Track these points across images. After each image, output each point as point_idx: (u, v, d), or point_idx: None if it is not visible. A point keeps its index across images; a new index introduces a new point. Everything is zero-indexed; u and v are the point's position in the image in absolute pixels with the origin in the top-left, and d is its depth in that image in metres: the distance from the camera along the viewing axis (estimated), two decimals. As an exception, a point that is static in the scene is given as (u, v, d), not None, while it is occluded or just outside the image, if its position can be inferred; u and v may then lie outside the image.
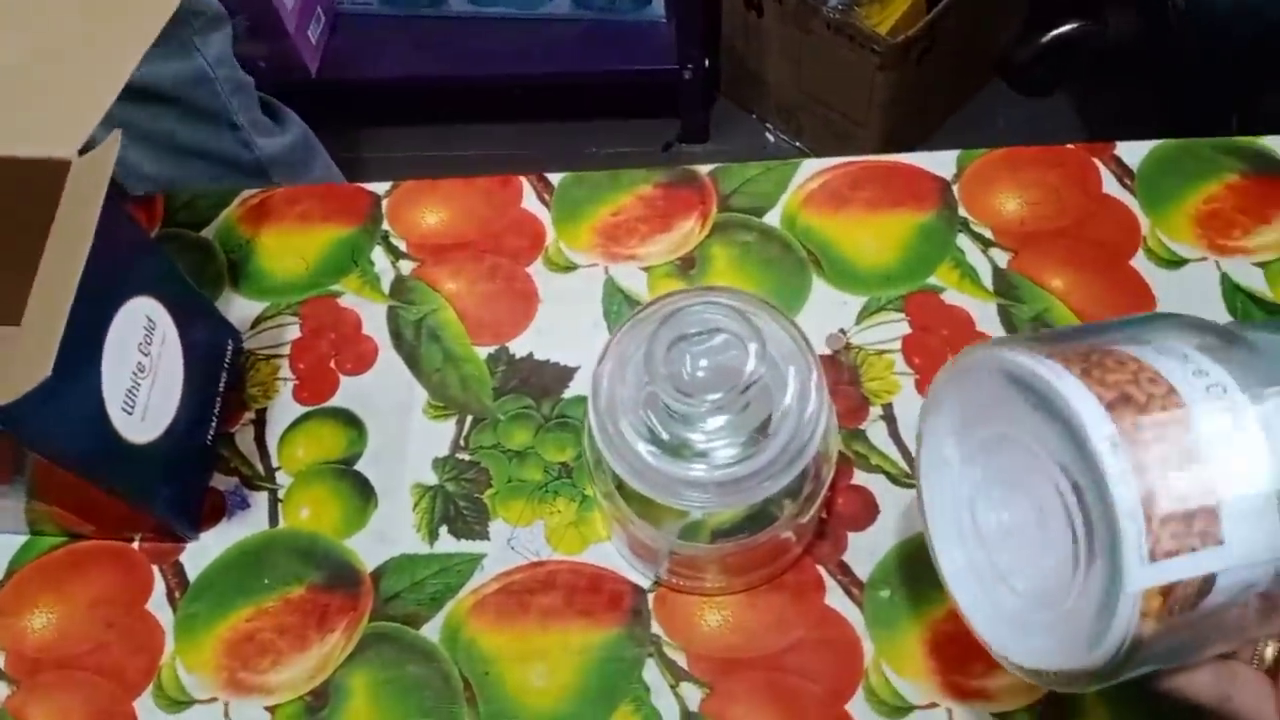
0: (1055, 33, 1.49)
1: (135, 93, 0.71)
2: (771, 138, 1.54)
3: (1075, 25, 1.49)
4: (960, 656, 0.46)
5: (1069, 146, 0.60)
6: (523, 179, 0.61)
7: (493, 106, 1.55)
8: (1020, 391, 0.35)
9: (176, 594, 0.50)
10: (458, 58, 1.45)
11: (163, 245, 0.60)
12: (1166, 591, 0.31)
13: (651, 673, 0.47)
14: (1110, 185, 0.58)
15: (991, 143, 0.60)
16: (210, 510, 0.52)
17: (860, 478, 0.51)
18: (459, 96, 1.53)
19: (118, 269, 0.46)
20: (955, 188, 0.59)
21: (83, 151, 0.44)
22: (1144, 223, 0.57)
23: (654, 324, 0.41)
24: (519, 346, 0.56)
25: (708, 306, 0.41)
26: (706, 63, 1.44)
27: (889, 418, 0.52)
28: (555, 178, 0.61)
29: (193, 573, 0.51)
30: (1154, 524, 0.30)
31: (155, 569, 0.51)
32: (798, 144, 1.52)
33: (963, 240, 0.57)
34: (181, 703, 0.48)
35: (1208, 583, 0.31)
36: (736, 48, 1.47)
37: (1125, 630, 0.31)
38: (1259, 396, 0.32)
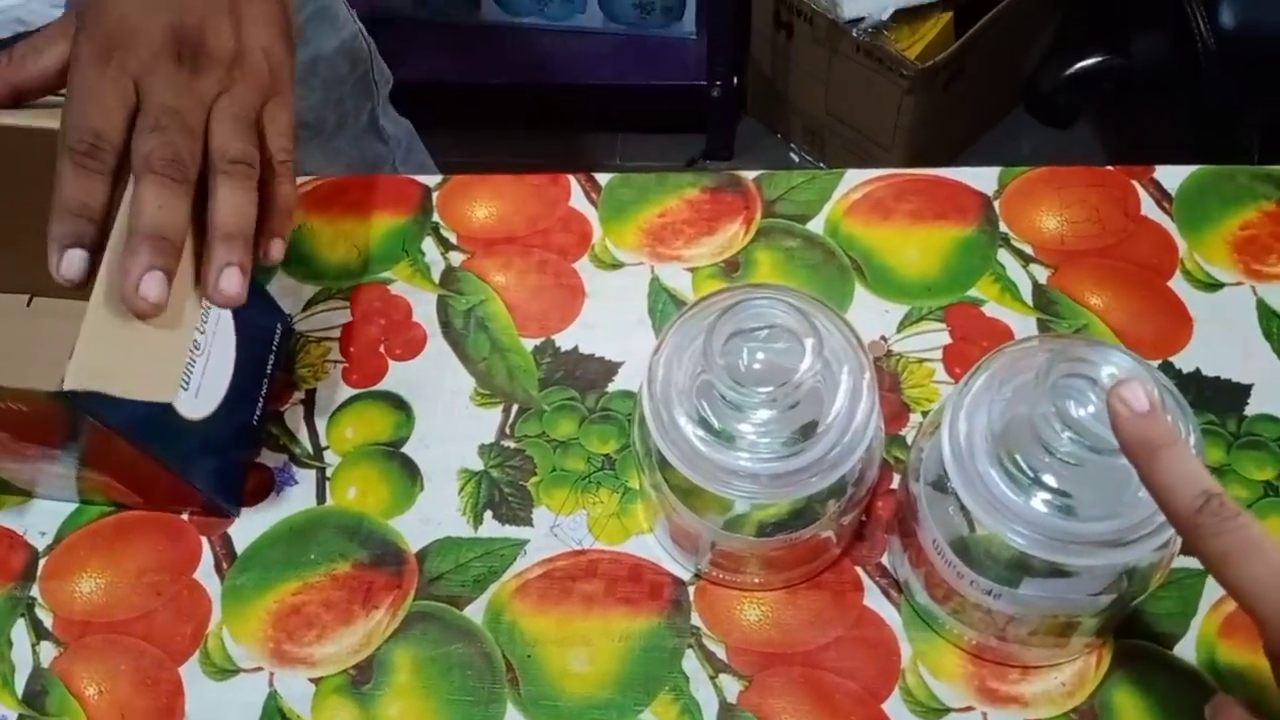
0: (1079, 65, 1.51)
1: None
2: (796, 157, 1.56)
3: (1100, 59, 1.51)
4: (997, 662, 0.47)
5: (1109, 168, 0.61)
6: (571, 177, 0.63)
7: (519, 114, 1.57)
8: None
9: (224, 565, 0.51)
10: (488, 65, 1.47)
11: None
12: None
13: (691, 663, 0.48)
14: (1149, 207, 0.59)
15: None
16: (259, 486, 0.53)
17: (899, 482, 0.52)
18: (487, 103, 1.54)
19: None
20: (996, 203, 0.60)
21: None
22: (1181, 245, 0.58)
23: (714, 314, 0.42)
24: (565, 339, 0.57)
25: (769, 302, 0.42)
26: (735, 80, 1.45)
27: (929, 424, 0.53)
28: (603, 178, 0.62)
29: (240, 545, 0.52)
30: None
31: (204, 540, 0.52)
32: (821, 165, 1.54)
33: (1003, 255, 0.58)
34: (228, 671, 0.49)
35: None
36: (764, 66, 1.49)
37: None
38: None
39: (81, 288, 0.41)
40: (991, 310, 0.56)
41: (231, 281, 0.43)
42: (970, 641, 0.47)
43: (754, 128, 1.59)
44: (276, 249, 0.45)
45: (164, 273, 0.40)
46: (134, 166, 0.40)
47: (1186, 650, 0.47)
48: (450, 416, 0.55)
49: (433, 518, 0.52)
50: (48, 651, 0.50)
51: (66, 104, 0.41)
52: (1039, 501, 0.39)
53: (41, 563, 0.52)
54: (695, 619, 0.49)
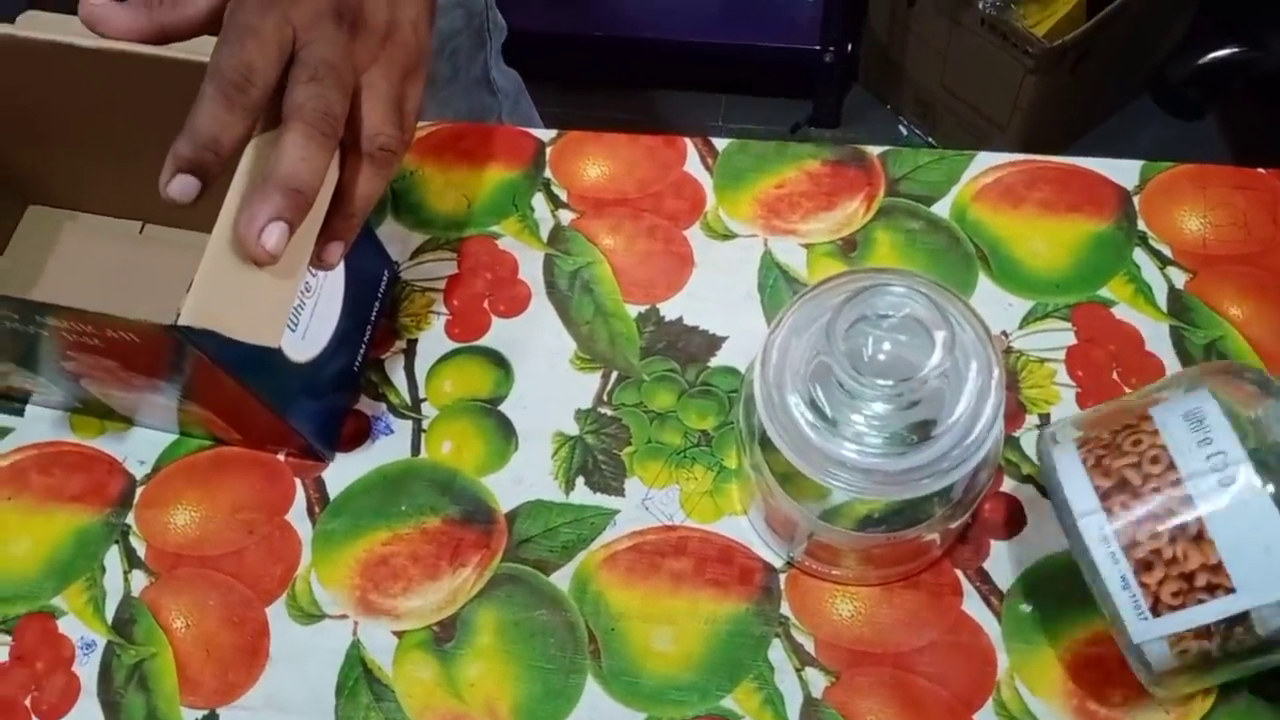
0: (1213, 55, 1.44)
1: None
2: (904, 130, 1.51)
3: (1235, 50, 1.44)
4: (1100, 682, 0.45)
5: (1260, 170, 0.57)
6: (687, 140, 0.61)
7: (624, 69, 1.55)
8: None
9: (317, 509, 0.51)
10: (597, 18, 1.45)
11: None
12: (1197, 631, 0.38)
13: (777, 653, 0.47)
14: (1301, 216, 0.56)
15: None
16: (356, 432, 0.53)
17: (1009, 485, 0.50)
18: (593, 56, 1.52)
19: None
20: (1136, 199, 0.56)
21: None
22: (1334, 259, 0.54)
23: (842, 296, 0.40)
24: (670, 309, 0.56)
25: (906, 290, 0.40)
26: (849, 47, 1.41)
27: (1045, 427, 0.51)
28: (720, 143, 0.60)
29: (334, 490, 0.52)
30: (1152, 588, 0.39)
31: (298, 482, 0.52)
32: (930, 140, 1.49)
33: (1139, 255, 0.55)
34: (313, 615, 0.49)
35: (1240, 616, 0.38)
36: (880, 34, 1.44)
37: (1164, 659, 0.39)
38: (1260, 454, 0.37)
39: (181, 209, 0.40)
40: (1122, 313, 0.53)
41: (335, 254, 0.43)
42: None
43: (863, 97, 1.54)
44: (334, 252, 0.44)
45: (289, 225, 0.39)
46: (285, 112, 0.40)
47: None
48: (549, 378, 0.54)
49: (525, 479, 0.51)
50: (139, 580, 0.51)
51: (222, 37, 0.40)
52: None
53: (139, 491, 0.53)
54: (785, 608, 0.48)
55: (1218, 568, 0.38)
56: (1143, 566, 0.39)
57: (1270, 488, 0.37)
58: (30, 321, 0.43)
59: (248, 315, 0.40)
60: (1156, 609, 0.39)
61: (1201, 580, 0.38)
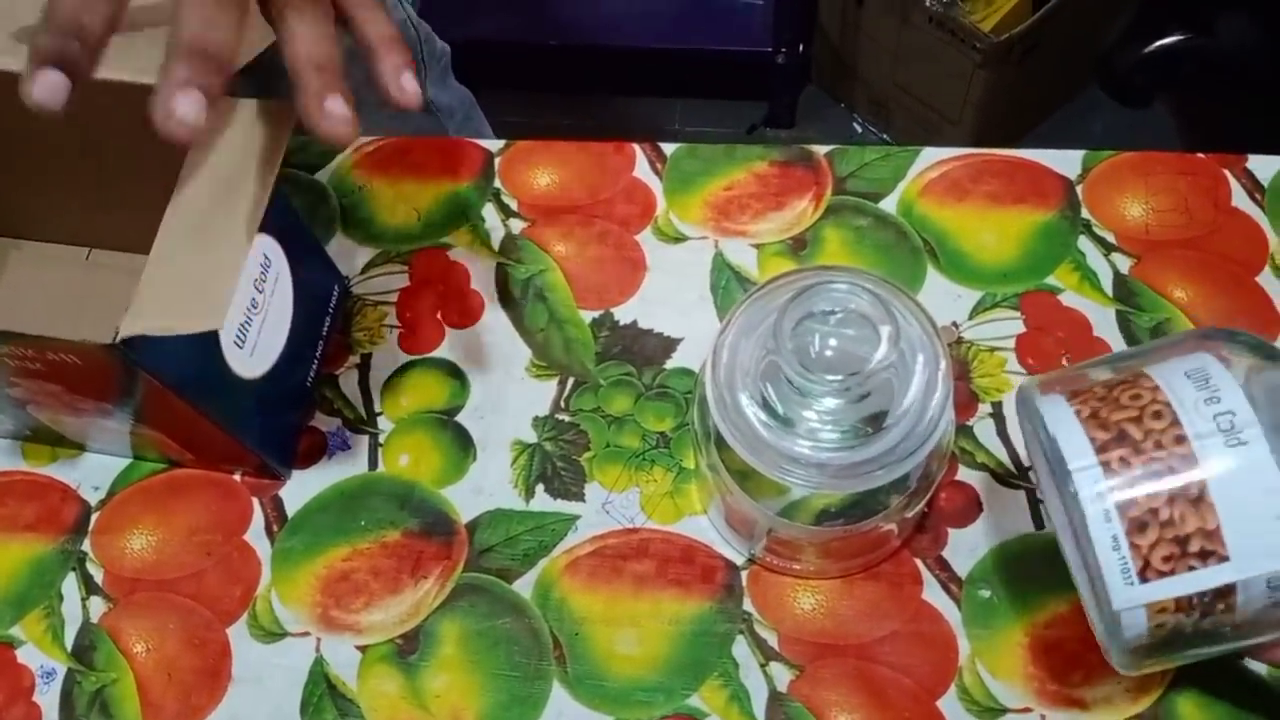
0: (1160, 43, 1.46)
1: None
2: (859, 128, 1.53)
3: (1182, 37, 1.46)
4: (1061, 664, 0.46)
5: (1199, 156, 0.58)
6: (635, 146, 0.61)
7: (579, 77, 1.55)
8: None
9: (275, 527, 0.51)
10: (549, 26, 1.45)
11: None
12: (1179, 602, 0.36)
13: (741, 649, 0.47)
14: (1240, 199, 0.57)
15: (1087, 149, 0.58)
16: (311, 449, 0.53)
17: (964, 474, 0.50)
18: (546, 64, 1.53)
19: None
20: (1079, 188, 0.57)
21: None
22: (1273, 239, 0.55)
23: (787, 295, 0.41)
24: (624, 314, 0.56)
25: (848, 287, 0.40)
26: (800, 48, 1.42)
27: (998, 416, 0.51)
28: (669, 148, 0.61)
29: (291, 508, 0.51)
30: (1143, 550, 0.36)
31: (255, 501, 0.52)
32: (885, 137, 1.50)
33: (1084, 243, 0.56)
34: (275, 634, 0.49)
35: (1227, 590, 0.36)
36: (832, 34, 1.46)
37: (1140, 631, 0.37)
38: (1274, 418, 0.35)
39: (128, 232, 0.39)
40: (1069, 300, 0.54)
41: (409, 80, 0.39)
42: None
43: (818, 96, 1.56)
44: (408, 79, 0.38)
45: (203, 92, 0.34)
46: None
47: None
48: (505, 387, 0.54)
49: (484, 489, 0.51)
50: (97, 607, 0.50)
51: None
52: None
53: (94, 517, 0.52)
54: (747, 605, 0.48)
55: (1214, 534, 0.36)
56: (1136, 527, 0.37)
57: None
58: None
59: (186, 310, 0.39)
60: (1145, 573, 0.37)
61: (1195, 546, 0.36)
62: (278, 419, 0.52)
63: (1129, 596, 0.37)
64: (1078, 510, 0.37)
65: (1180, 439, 0.36)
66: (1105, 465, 0.37)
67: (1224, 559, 0.36)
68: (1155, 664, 0.40)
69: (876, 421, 0.41)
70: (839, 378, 0.39)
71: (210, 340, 0.45)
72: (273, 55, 0.76)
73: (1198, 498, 0.36)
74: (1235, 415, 0.36)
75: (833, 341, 0.41)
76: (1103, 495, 0.37)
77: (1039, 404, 0.39)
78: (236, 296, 0.45)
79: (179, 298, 0.40)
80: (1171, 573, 0.36)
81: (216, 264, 0.40)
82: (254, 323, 0.48)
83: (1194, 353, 0.38)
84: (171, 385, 0.43)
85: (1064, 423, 0.38)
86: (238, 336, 0.46)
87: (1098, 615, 0.39)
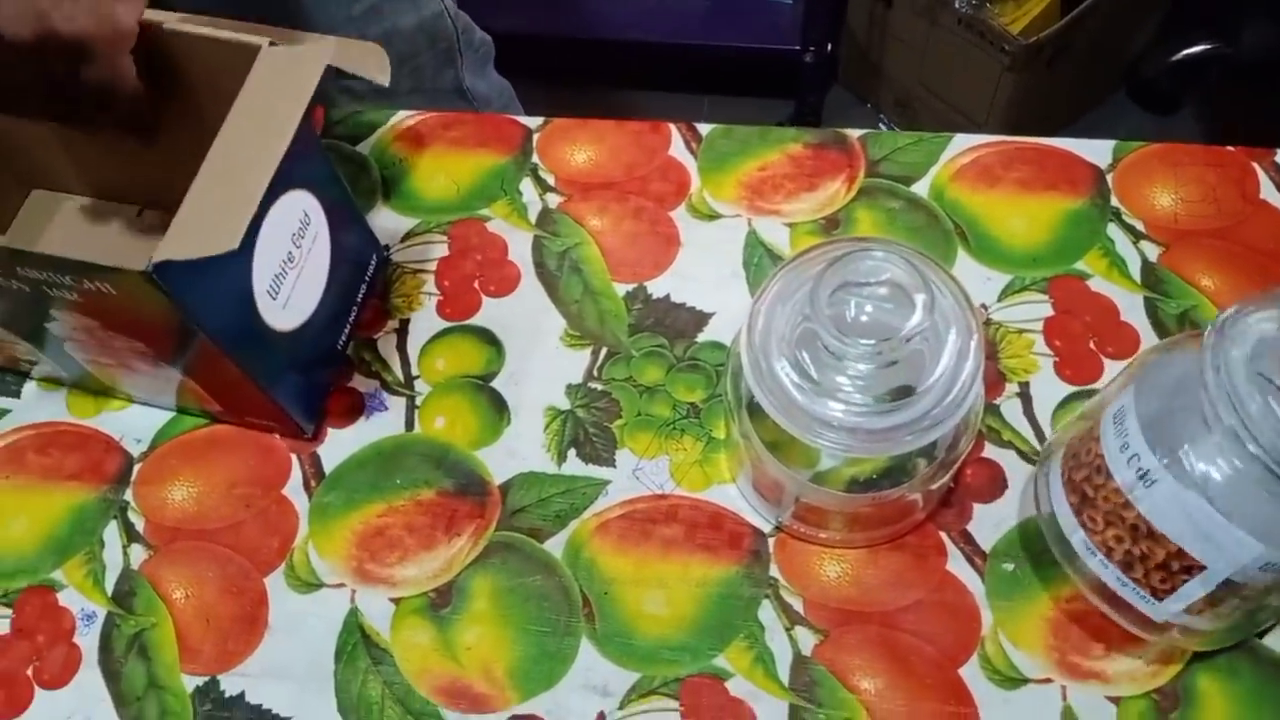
0: (1186, 51, 1.46)
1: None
2: (884, 128, 1.53)
3: (1207, 46, 1.46)
4: (1082, 637, 0.46)
5: (1229, 148, 0.59)
6: (671, 126, 0.62)
7: (609, 71, 1.56)
8: None
9: (313, 483, 0.52)
10: (581, 20, 1.47)
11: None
12: (1205, 600, 0.41)
13: (767, 613, 0.48)
14: (1268, 191, 0.57)
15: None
16: (350, 409, 0.54)
17: (990, 451, 0.51)
18: (577, 58, 1.54)
19: (287, 159, 0.47)
20: (1110, 177, 0.58)
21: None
22: (1300, 232, 0.56)
23: (823, 263, 0.41)
24: (657, 287, 0.57)
25: (885, 255, 0.41)
26: (829, 47, 1.43)
27: (1024, 395, 0.52)
28: (704, 128, 0.62)
29: (329, 465, 0.53)
30: (1143, 581, 0.42)
31: (293, 457, 0.53)
32: (910, 138, 1.51)
33: (1113, 230, 0.56)
34: (312, 585, 0.50)
35: (1226, 584, 0.40)
36: (860, 35, 1.47)
37: (1201, 621, 0.43)
38: (1170, 452, 0.40)
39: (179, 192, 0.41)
40: (1097, 285, 0.55)
41: None
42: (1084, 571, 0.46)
43: (844, 96, 1.56)
44: None
45: None
46: None
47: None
48: (540, 355, 0.55)
49: (518, 451, 0.52)
50: (138, 554, 0.51)
51: None
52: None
53: (136, 468, 0.54)
54: (774, 570, 0.49)
55: (1180, 553, 0.40)
56: (1125, 566, 0.42)
57: (1186, 482, 0.40)
58: (12, 274, 0.43)
59: (209, 237, 0.40)
60: (1157, 595, 0.42)
61: (1175, 565, 0.41)
62: (306, 376, 0.53)
63: (1162, 611, 0.42)
64: (1084, 566, 0.44)
65: (1116, 490, 0.41)
66: (1084, 526, 0.43)
67: (1202, 567, 0.40)
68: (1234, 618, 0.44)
69: (905, 390, 0.42)
70: (873, 342, 0.40)
71: (244, 286, 0.46)
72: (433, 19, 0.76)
73: (1149, 533, 0.41)
74: (1141, 459, 0.40)
75: (869, 308, 0.42)
76: (1092, 549, 0.43)
77: (1048, 480, 0.46)
78: (272, 246, 0.46)
79: (204, 227, 0.41)
80: (1174, 589, 0.41)
81: (240, 196, 0.42)
82: (289, 276, 0.48)
83: (1125, 388, 0.43)
84: (200, 324, 0.44)
85: (1057, 491, 0.45)
86: (271, 287, 0.47)
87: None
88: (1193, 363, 0.39)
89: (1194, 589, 0.42)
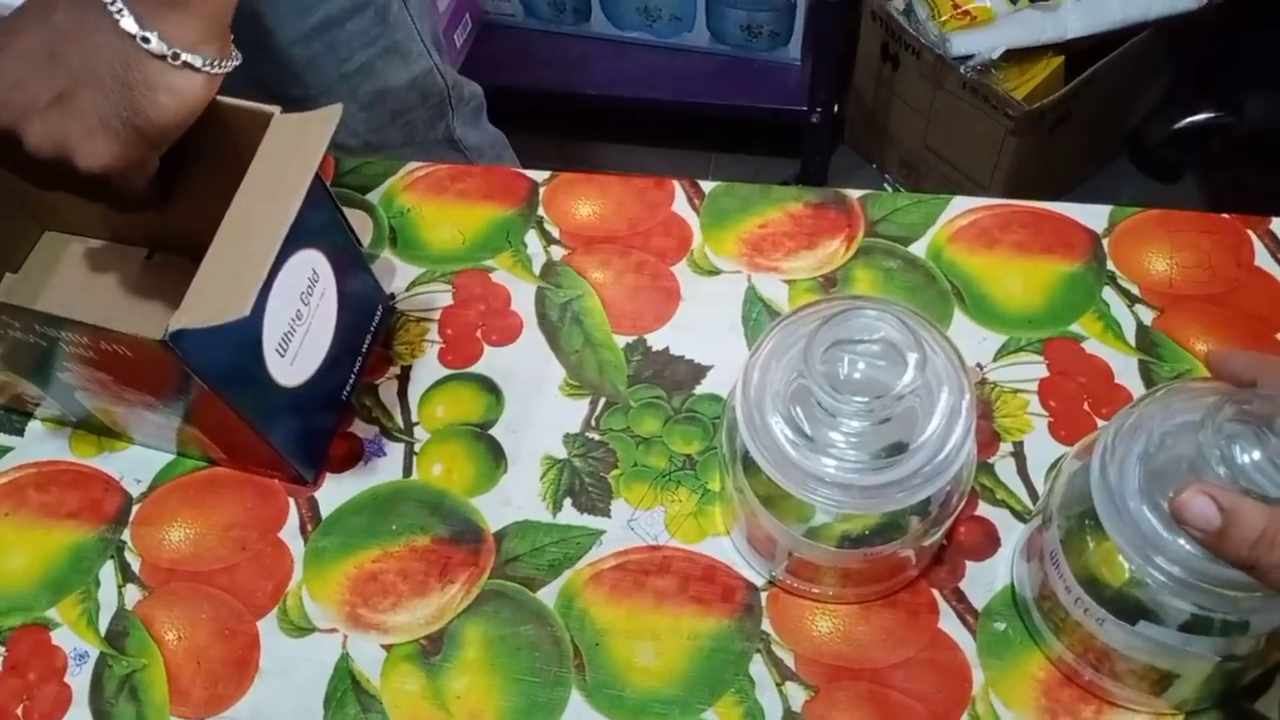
0: (1189, 120, 1.48)
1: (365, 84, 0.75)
2: (889, 189, 1.55)
3: (1210, 115, 1.48)
4: (1074, 698, 0.46)
5: (1224, 215, 0.60)
6: (675, 182, 0.63)
7: (616, 127, 1.58)
8: None
9: (309, 527, 0.52)
10: (589, 76, 1.49)
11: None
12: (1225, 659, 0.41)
13: (758, 668, 0.48)
14: (1263, 259, 0.58)
15: (1113, 209, 0.60)
16: (348, 454, 0.54)
17: (984, 509, 0.51)
18: (584, 113, 1.56)
19: (296, 221, 0.48)
20: (1106, 241, 0.59)
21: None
22: (1294, 300, 0.56)
23: (817, 321, 0.42)
24: (657, 340, 0.57)
25: (877, 314, 0.42)
26: (835, 108, 1.45)
27: (1019, 455, 0.53)
28: (707, 185, 0.63)
29: (326, 509, 0.53)
30: (1137, 685, 0.44)
31: (291, 501, 0.53)
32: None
33: (1109, 294, 0.57)
34: (304, 629, 0.50)
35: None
36: (866, 96, 1.49)
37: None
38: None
39: (187, 238, 0.43)
40: (1092, 347, 0.55)
41: None
42: (1062, 660, 0.46)
43: (849, 157, 1.58)
44: None
45: None
46: None
47: None
48: (539, 404, 0.55)
49: (513, 500, 0.53)
50: (132, 594, 0.52)
51: None
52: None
53: (134, 508, 0.54)
54: (766, 625, 0.49)
55: (1154, 667, 0.43)
56: (1114, 678, 0.45)
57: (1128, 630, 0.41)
58: (31, 331, 0.44)
59: (221, 304, 0.42)
60: (1151, 692, 0.44)
61: (1155, 675, 0.43)
62: (310, 426, 0.53)
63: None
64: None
65: (1078, 624, 0.43)
66: (1067, 649, 0.46)
67: (1178, 674, 0.43)
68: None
69: (898, 448, 0.43)
70: (865, 400, 0.41)
71: (253, 345, 0.47)
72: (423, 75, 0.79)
73: (1122, 654, 0.43)
74: (1083, 600, 0.42)
75: (861, 365, 0.42)
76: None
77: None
78: (282, 306, 0.47)
79: (217, 293, 0.42)
80: (1162, 691, 0.44)
81: (250, 262, 0.43)
82: (297, 333, 0.49)
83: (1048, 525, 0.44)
84: (211, 383, 0.45)
85: (1036, 615, 0.47)
86: (280, 345, 0.48)
87: None
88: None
89: (1181, 689, 0.43)
